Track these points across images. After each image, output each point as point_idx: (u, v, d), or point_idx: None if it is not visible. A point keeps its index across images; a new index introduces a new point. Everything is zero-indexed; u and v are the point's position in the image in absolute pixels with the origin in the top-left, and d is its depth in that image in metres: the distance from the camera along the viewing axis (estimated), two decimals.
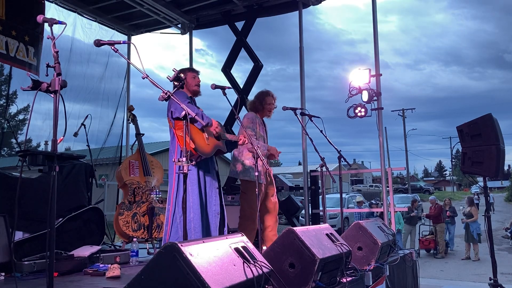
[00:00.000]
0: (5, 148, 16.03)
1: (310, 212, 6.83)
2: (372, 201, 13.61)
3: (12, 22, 5.46)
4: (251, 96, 6.13)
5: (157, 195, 5.04)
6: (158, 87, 2.98)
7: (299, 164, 41.37)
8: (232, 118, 7.10)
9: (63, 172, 4.66)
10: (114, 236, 5.56)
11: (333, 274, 2.93)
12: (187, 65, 7.58)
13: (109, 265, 3.52)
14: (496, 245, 7.88)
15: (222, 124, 4.14)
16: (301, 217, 9.15)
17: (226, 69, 7.57)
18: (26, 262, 3.54)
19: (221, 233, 3.78)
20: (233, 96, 7.02)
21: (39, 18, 2.22)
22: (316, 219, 6.84)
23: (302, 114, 4.99)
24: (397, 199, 20.41)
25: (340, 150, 4.89)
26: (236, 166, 4.54)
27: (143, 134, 5.35)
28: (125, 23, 7.73)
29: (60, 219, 4.31)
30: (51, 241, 1.93)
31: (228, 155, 4.97)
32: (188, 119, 3.09)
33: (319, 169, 5.50)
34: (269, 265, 2.24)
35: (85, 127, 5.56)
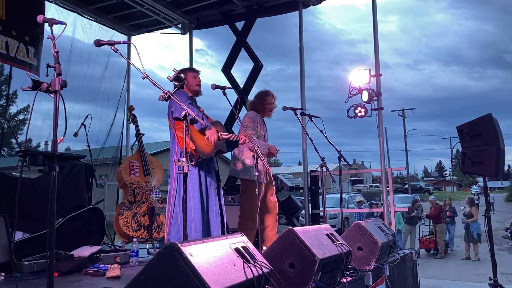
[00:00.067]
0: (5, 148, 16.05)
1: (310, 212, 6.83)
2: (372, 201, 13.61)
3: (12, 22, 5.46)
4: (251, 96, 6.14)
5: (157, 195, 5.04)
6: (158, 87, 2.98)
7: (299, 164, 41.38)
8: (232, 118, 7.10)
9: (63, 172, 4.66)
10: (114, 236, 5.56)
11: (333, 274, 2.93)
12: (187, 65, 7.59)
13: (109, 265, 3.52)
14: (496, 245, 7.88)
15: (222, 124, 4.14)
16: (301, 217, 9.16)
17: (226, 69, 7.57)
18: (26, 262, 3.54)
19: (221, 232, 3.78)
20: (233, 96, 7.02)
21: (39, 18, 2.22)
22: (316, 219, 6.85)
23: (302, 114, 4.99)
24: (397, 199, 20.44)
25: (340, 150, 4.89)
26: (237, 165, 4.54)
27: (143, 134, 5.35)
28: (125, 23, 7.73)
29: (60, 219, 4.31)
30: (51, 241, 1.93)
31: (228, 155, 4.97)
32: (188, 120, 3.09)
33: (319, 169, 5.51)
34: (269, 265, 2.24)
35: (85, 127, 5.56)
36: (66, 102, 2.26)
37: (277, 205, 4.69)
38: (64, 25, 2.19)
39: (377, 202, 12.50)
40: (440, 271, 9.79)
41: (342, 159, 4.89)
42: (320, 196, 6.21)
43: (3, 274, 3.38)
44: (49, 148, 6.16)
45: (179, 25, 7.84)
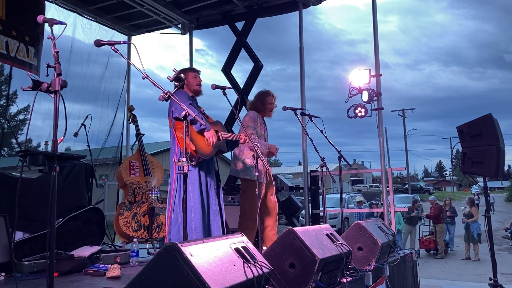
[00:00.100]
0: (5, 148, 16.03)
1: (310, 212, 6.83)
2: (372, 201, 13.61)
3: (12, 22, 5.46)
4: (251, 96, 6.14)
5: (157, 195, 5.04)
6: (158, 87, 2.98)
7: (299, 164, 41.40)
8: (232, 118, 7.10)
9: (63, 172, 4.66)
10: (114, 236, 5.56)
11: (333, 274, 2.93)
12: (187, 65, 7.59)
13: (109, 265, 3.52)
14: (496, 245, 7.87)
15: (223, 123, 4.14)
16: (301, 217, 9.16)
17: (226, 69, 7.57)
18: (26, 262, 3.54)
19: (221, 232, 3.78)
20: (233, 96, 7.02)
21: (40, 18, 2.22)
22: (316, 219, 6.85)
23: (302, 114, 4.99)
24: (397, 199, 20.42)
25: (340, 150, 4.89)
26: (237, 164, 4.55)
27: (143, 134, 5.35)
28: (125, 23, 7.73)
29: (60, 219, 4.31)
30: (51, 241, 1.93)
31: (228, 155, 4.97)
32: (189, 120, 3.09)
33: (319, 169, 5.51)
34: (269, 265, 2.24)
35: (85, 127, 5.56)
36: (66, 102, 2.26)
37: (277, 205, 4.69)
38: (64, 25, 2.20)
39: (377, 202, 12.50)
40: (440, 271, 9.79)
41: (342, 159, 4.89)
42: (320, 196, 6.21)
43: (3, 274, 3.38)
44: (49, 148, 6.17)
45: (179, 25, 7.84)
